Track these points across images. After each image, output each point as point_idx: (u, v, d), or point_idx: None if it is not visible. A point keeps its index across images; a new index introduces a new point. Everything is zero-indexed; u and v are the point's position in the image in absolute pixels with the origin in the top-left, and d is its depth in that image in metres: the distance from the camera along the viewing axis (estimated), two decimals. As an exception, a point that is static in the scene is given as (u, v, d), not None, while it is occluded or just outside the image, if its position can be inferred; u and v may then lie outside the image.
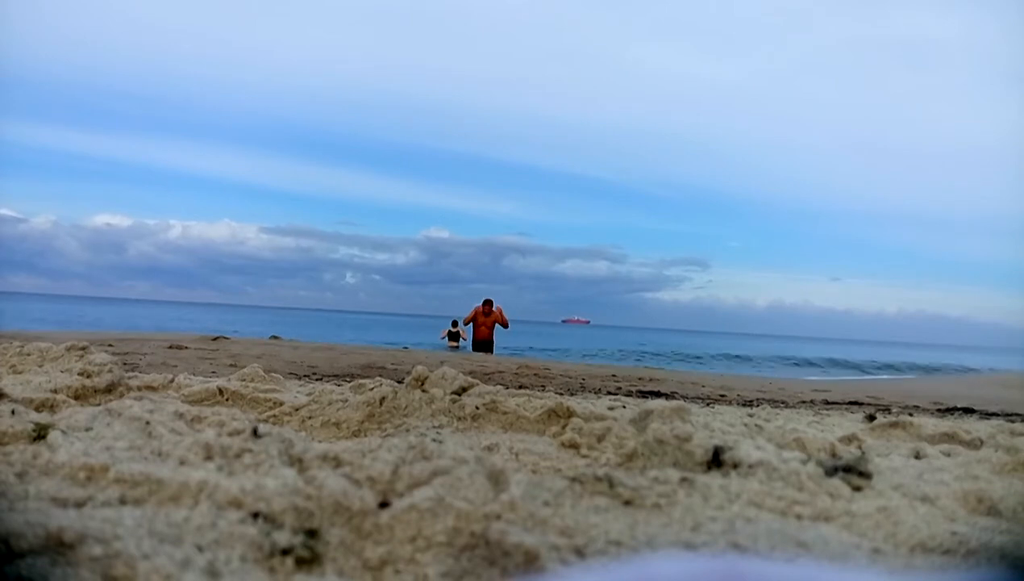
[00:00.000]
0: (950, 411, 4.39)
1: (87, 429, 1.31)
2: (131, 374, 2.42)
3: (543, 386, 4.61)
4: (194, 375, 2.69)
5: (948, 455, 1.86)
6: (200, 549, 0.79)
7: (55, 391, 1.90)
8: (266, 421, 1.90)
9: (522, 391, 2.35)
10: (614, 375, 6.10)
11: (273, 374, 2.73)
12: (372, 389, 2.03)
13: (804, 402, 4.51)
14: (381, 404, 1.93)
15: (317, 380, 4.12)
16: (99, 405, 1.72)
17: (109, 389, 2.10)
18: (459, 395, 2.02)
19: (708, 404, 3.92)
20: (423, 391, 2.01)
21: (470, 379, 2.13)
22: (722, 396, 4.71)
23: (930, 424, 2.33)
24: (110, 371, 2.17)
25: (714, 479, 1.19)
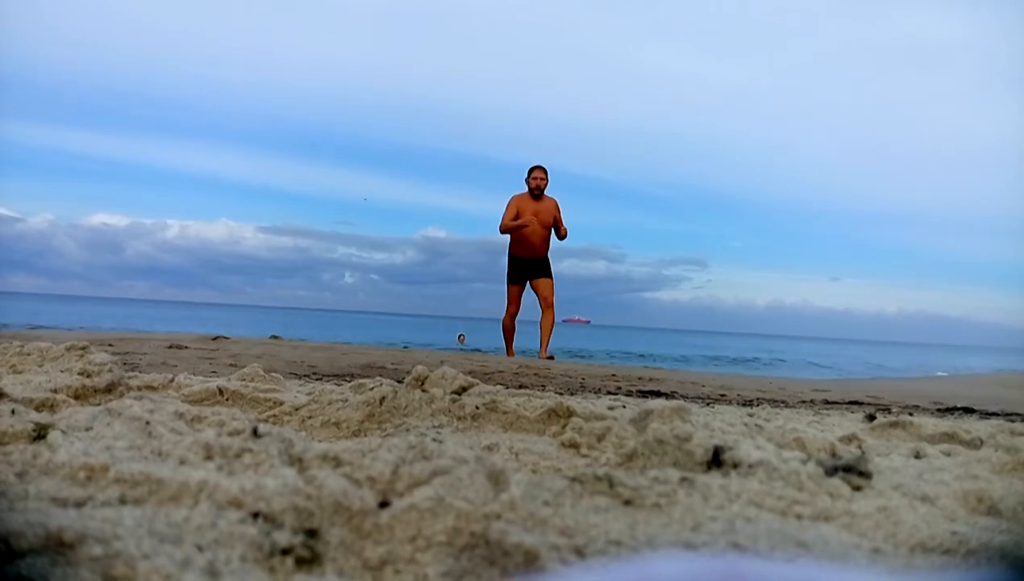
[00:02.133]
0: (950, 411, 4.39)
1: (87, 429, 1.31)
2: (131, 374, 2.42)
3: (543, 386, 4.61)
4: (194, 375, 2.69)
5: (948, 455, 1.86)
6: (200, 549, 0.79)
7: (55, 391, 1.89)
8: (266, 421, 1.90)
9: (522, 391, 2.34)
10: (614, 375, 6.10)
11: (273, 374, 2.73)
12: (372, 389, 2.02)
13: (804, 402, 4.51)
14: (381, 404, 1.93)
15: (317, 380, 4.12)
16: (99, 405, 1.72)
17: (109, 389, 2.10)
18: (459, 395, 2.02)
19: (708, 404, 3.92)
20: (423, 391, 2.01)
21: (470, 379, 2.13)
22: (722, 396, 4.71)
23: (930, 424, 2.33)
24: (110, 371, 2.17)
25: (714, 479, 1.19)
